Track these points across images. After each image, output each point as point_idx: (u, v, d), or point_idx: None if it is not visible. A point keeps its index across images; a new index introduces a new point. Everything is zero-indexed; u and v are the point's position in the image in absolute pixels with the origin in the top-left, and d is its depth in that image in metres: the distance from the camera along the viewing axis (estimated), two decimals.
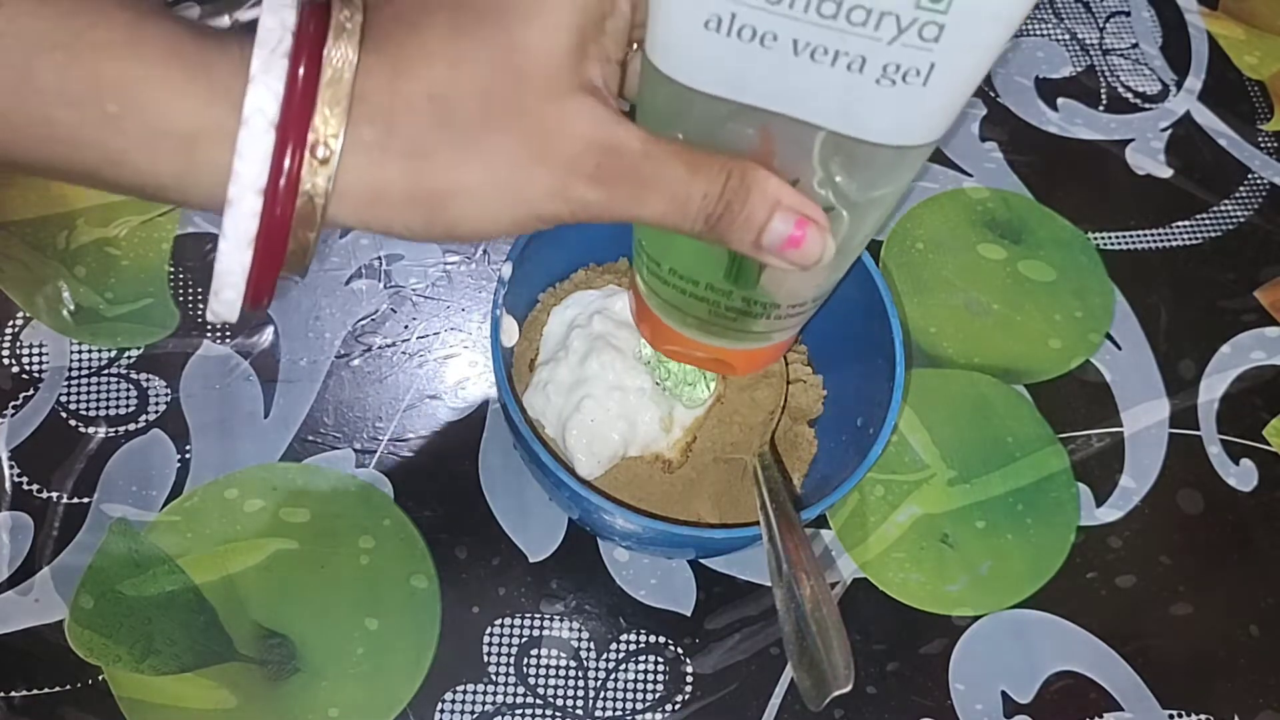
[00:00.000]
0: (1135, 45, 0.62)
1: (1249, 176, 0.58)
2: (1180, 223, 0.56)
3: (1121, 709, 0.45)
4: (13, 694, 0.41)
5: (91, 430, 0.46)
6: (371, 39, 0.25)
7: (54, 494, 0.45)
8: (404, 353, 0.49)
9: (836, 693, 0.32)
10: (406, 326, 0.49)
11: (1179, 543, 0.48)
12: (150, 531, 0.44)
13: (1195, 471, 0.50)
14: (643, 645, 0.44)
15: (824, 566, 0.46)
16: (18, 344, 0.47)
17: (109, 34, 0.24)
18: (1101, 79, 0.60)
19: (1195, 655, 0.46)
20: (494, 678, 0.43)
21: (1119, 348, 0.52)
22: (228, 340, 0.48)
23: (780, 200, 0.27)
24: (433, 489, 0.46)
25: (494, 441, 0.47)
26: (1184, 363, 0.52)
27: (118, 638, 0.42)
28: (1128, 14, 0.63)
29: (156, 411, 0.46)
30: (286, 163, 0.24)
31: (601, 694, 0.43)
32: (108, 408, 0.46)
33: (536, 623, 0.44)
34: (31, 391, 0.46)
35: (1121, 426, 0.50)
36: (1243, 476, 0.50)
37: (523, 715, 0.42)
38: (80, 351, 0.47)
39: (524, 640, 0.44)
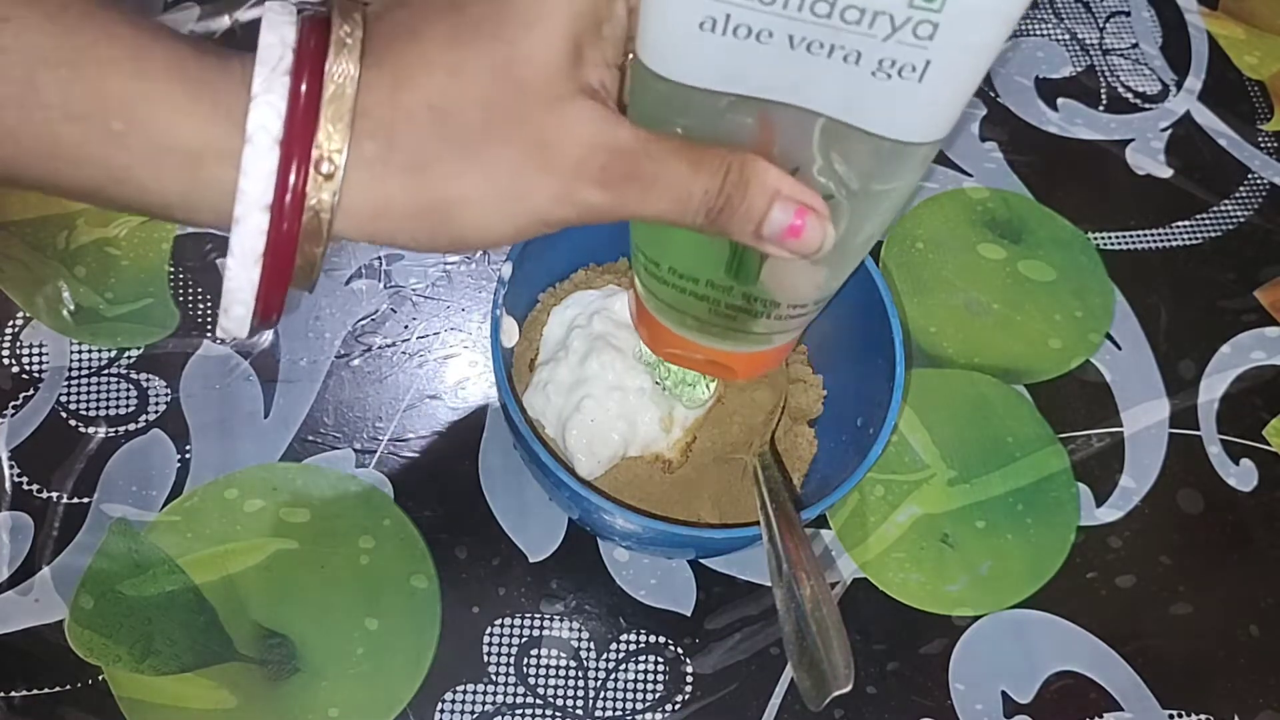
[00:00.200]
0: (1135, 45, 0.62)
1: (1249, 176, 0.58)
2: (1180, 223, 0.56)
3: (1121, 709, 0.45)
4: (13, 694, 0.41)
5: (91, 430, 0.46)
6: (372, 52, 0.25)
7: (54, 494, 0.45)
8: (404, 353, 0.49)
9: (836, 693, 0.32)
10: (406, 326, 0.49)
11: (1179, 543, 0.48)
12: (150, 531, 0.44)
13: (1195, 471, 0.50)
14: (643, 645, 0.44)
15: (824, 566, 0.46)
16: (18, 344, 0.47)
17: (112, 51, 0.24)
18: (1101, 79, 0.60)
19: (1195, 655, 0.46)
20: (494, 678, 0.43)
21: (1119, 348, 0.52)
22: (228, 340, 0.48)
23: (779, 190, 0.27)
24: (433, 489, 0.46)
25: (494, 441, 0.47)
26: (1184, 363, 0.52)
27: (118, 638, 0.42)
28: (1128, 14, 0.63)
29: (156, 411, 0.46)
30: (292, 179, 0.24)
31: (601, 694, 0.43)
32: (108, 408, 0.46)
33: (536, 623, 0.44)
34: (31, 391, 0.46)
35: (1121, 426, 0.50)
36: (1243, 476, 0.50)
37: (523, 715, 0.42)
38: (80, 351, 0.47)
39: (524, 640, 0.44)
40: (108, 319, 0.48)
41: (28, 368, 0.47)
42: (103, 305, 0.48)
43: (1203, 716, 0.45)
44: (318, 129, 0.24)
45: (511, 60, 0.26)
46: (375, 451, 0.46)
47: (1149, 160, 0.58)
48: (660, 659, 0.44)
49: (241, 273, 0.25)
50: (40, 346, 0.47)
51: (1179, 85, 0.61)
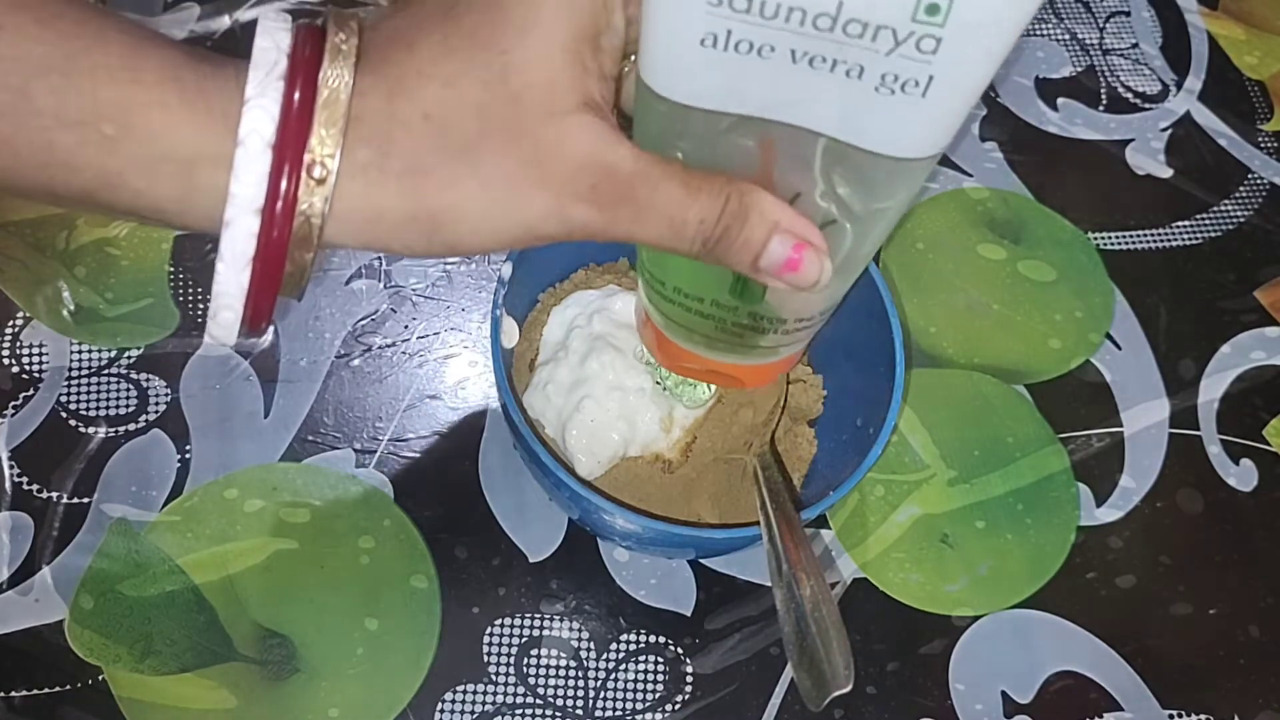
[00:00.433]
0: (1135, 45, 0.62)
1: (1249, 176, 0.58)
2: (1180, 223, 0.56)
3: (1121, 709, 0.45)
4: (13, 694, 0.41)
5: (91, 430, 0.46)
6: (366, 60, 0.25)
7: (54, 494, 0.45)
8: (404, 353, 0.49)
9: (836, 693, 0.32)
10: (406, 326, 0.49)
11: (1179, 543, 0.48)
12: (150, 531, 0.44)
13: (1195, 471, 0.50)
14: (643, 645, 0.44)
15: (824, 566, 0.46)
16: (18, 344, 0.47)
17: (106, 57, 0.24)
18: (1101, 79, 0.60)
19: (1195, 655, 0.46)
20: (494, 678, 0.43)
21: (1119, 348, 0.52)
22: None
23: (779, 223, 0.27)
24: (433, 489, 0.46)
25: (494, 441, 0.47)
26: (1184, 363, 0.52)
27: (118, 638, 0.42)
28: (1128, 14, 0.63)
29: (156, 411, 0.46)
30: (283, 183, 0.24)
31: (601, 694, 0.43)
32: (108, 408, 0.46)
33: (536, 623, 0.44)
34: (31, 391, 0.46)
35: (1121, 426, 0.50)
36: (1243, 476, 0.50)
37: (523, 715, 0.42)
38: (80, 351, 0.47)
39: (524, 640, 0.44)
40: (108, 319, 0.48)
41: (28, 368, 0.47)
42: (103, 305, 0.48)
43: (1203, 716, 0.45)
44: (310, 133, 0.24)
45: (507, 71, 0.25)
46: (375, 451, 0.46)
47: (1149, 160, 0.58)
48: (660, 659, 0.44)
49: (231, 276, 0.25)
50: (40, 346, 0.47)
51: (1179, 85, 0.61)
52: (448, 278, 0.51)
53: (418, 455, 0.47)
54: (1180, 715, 0.45)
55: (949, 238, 0.54)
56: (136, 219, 0.26)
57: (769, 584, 0.44)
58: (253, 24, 0.25)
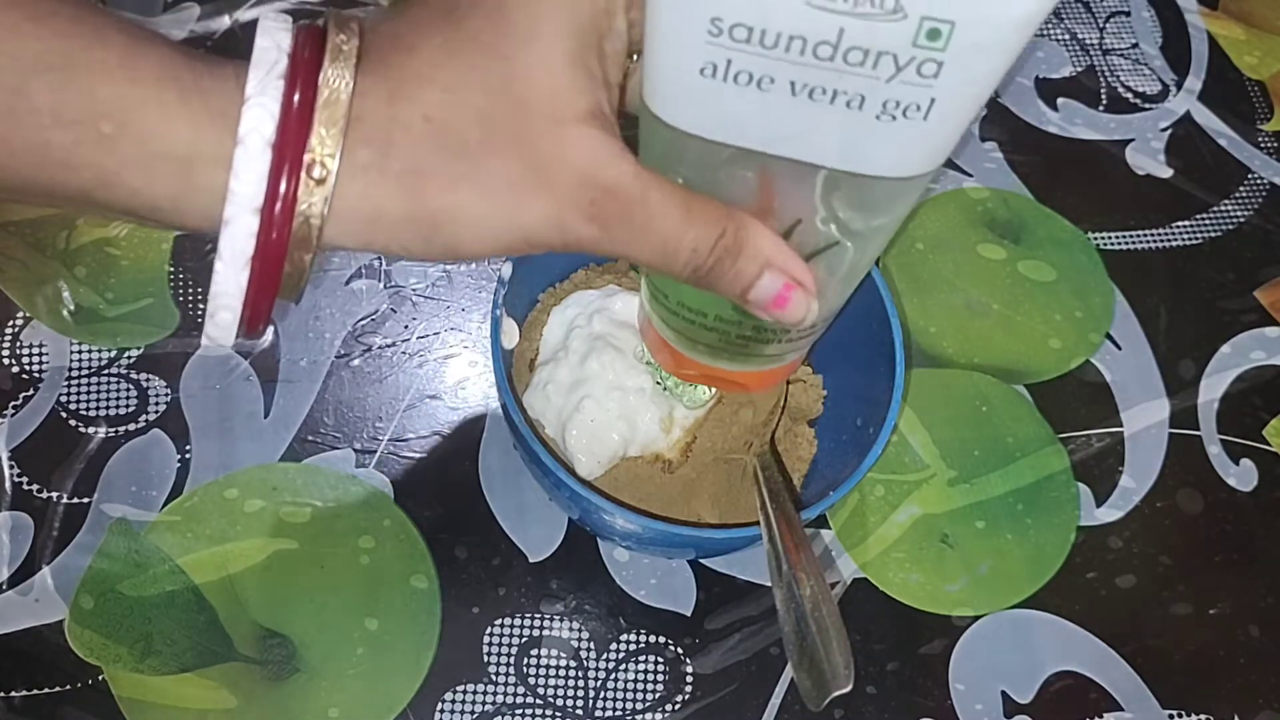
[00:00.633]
0: (1135, 45, 0.62)
1: (1249, 176, 0.58)
2: (1180, 223, 0.56)
3: (1121, 709, 0.45)
4: (13, 694, 0.41)
5: (91, 430, 0.46)
6: (367, 61, 0.25)
7: (54, 494, 0.45)
8: (404, 353, 0.49)
9: (836, 693, 0.32)
10: (406, 326, 0.49)
11: (1179, 543, 0.48)
12: (150, 531, 0.44)
13: (1195, 471, 0.50)
14: (643, 645, 0.44)
15: (824, 566, 0.46)
16: (18, 344, 0.47)
17: (104, 54, 0.24)
18: (1101, 79, 0.60)
19: (1195, 655, 0.46)
20: (494, 678, 0.43)
21: (1119, 348, 0.52)
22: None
23: (771, 261, 0.28)
24: (433, 489, 0.46)
25: (494, 441, 0.47)
26: (1184, 363, 0.52)
27: (118, 638, 0.42)
28: (1128, 14, 0.63)
29: (156, 411, 0.46)
30: (283, 183, 0.24)
31: (601, 694, 0.43)
32: (108, 408, 0.46)
33: (536, 623, 0.44)
34: (31, 391, 0.46)
35: (1121, 426, 0.50)
36: (1243, 476, 0.50)
37: (523, 715, 0.42)
38: (80, 351, 0.47)
39: (524, 640, 0.44)
40: (108, 319, 0.48)
41: (28, 368, 0.47)
42: (103, 305, 0.48)
43: (1203, 716, 0.45)
44: (311, 133, 0.24)
45: (510, 78, 0.25)
46: (375, 451, 0.46)
47: (1149, 160, 0.58)
48: (660, 659, 0.44)
49: (230, 275, 0.25)
50: (40, 346, 0.47)
51: (1179, 85, 0.61)
52: (448, 278, 0.51)
53: (418, 455, 0.47)
54: (1180, 715, 0.45)
55: (949, 238, 0.54)
56: (133, 219, 0.26)
57: (769, 584, 0.44)
58: (252, 24, 0.25)
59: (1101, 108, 0.59)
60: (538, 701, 0.43)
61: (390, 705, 0.42)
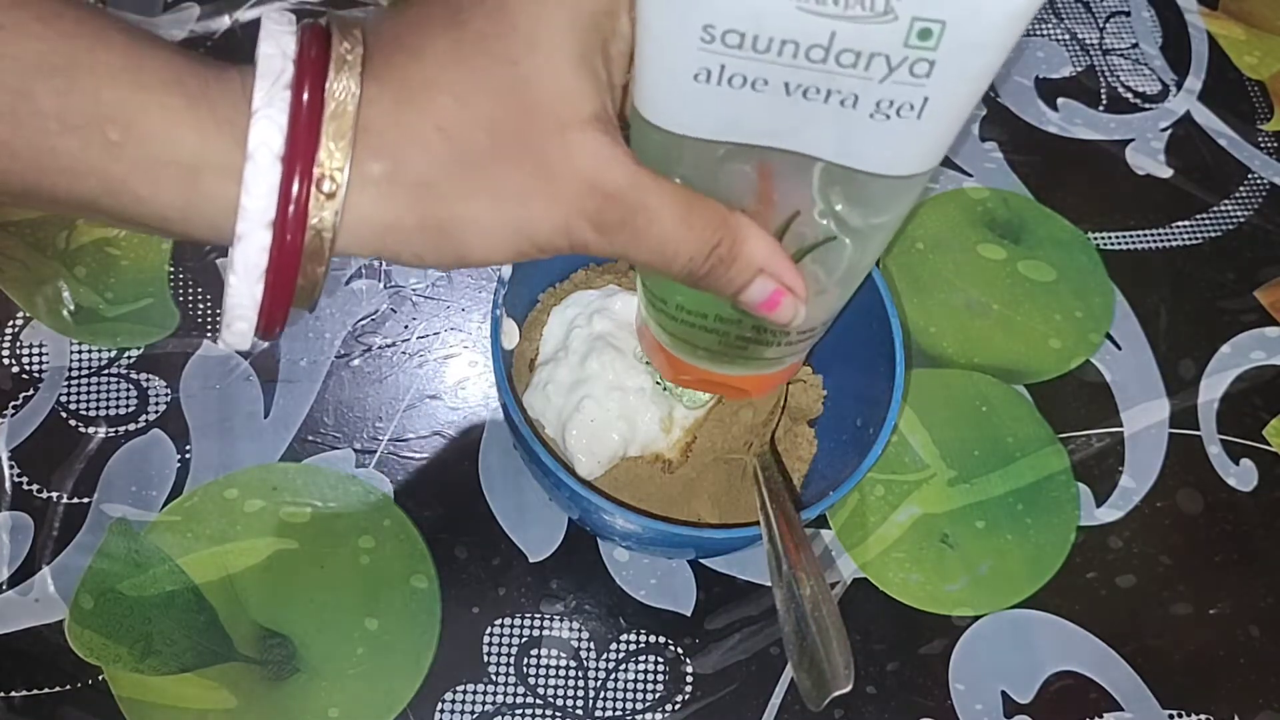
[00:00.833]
0: (1135, 45, 0.62)
1: (1249, 176, 0.58)
2: (1180, 223, 0.56)
3: (1121, 709, 0.45)
4: (13, 694, 0.41)
5: (91, 430, 0.46)
6: (372, 67, 0.25)
7: (54, 494, 0.45)
8: (404, 353, 0.49)
9: (836, 693, 0.32)
10: (406, 326, 0.49)
11: (1179, 543, 0.48)
12: (150, 531, 0.44)
13: (1195, 471, 0.50)
14: (643, 645, 0.44)
15: (824, 566, 0.46)
16: (18, 344, 0.47)
17: (109, 58, 0.24)
18: (1101, 79, 0.60)
19: (1195, 655, 0.46)
20: (494, 678, 0.43)
21: (1119, 348, 0.52)
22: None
23: (764, 267, 0.29)
24: (433, 489, 0.46)
25: (494, 441, 0.47)
26: (1184, 363, 0.52)
27: (118, 638, 0.42)
28: (1128, 14, 0.63)
29: (156, 411, 0.46)
30: (294, 198, 0.24)
31: (601, 694, 0.43)
32: (108, 408, 0.46)
33: (536, 623, 0.44)
34: (31, 391, 0.46)
35: (1121, 426, 0.50)
36: (1243, 476, 0.50)
37: (523, 715, 0.42)
38: (80, 351, 0.47)
39: (524, 640, 0.44)
40: (108, 319, 0.48)
41: (28, 368, 0.47)
42: (103, 305, 0.48)
43: (1203, 716, 0.45)
44: (319, 147, 0.24)
45: (516, 82, 0.25)
46: (375, 451, 0.46)
47: (1149, 160, 0.58)
48: (660, 659, 0.44)
49: (244, 289, 0.25)
50: (40, 346, 0.47)
51: (1179, 85, 0.61)
52: (448, 278, 0.51)
53: (418, 455, 0.47)
54: (1180, 715, 0.45)
55: (949, 238, 0.54)
56: (137, 227, 0.25)
57: (769, 584, 0.44)
58: (253, 24, 0.25)
59: (1101, 108, 0.59)
60: (538, 701, 0.43)
61: (390, 705, 0.42)
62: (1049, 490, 0.49)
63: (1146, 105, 0.60)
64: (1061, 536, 0.48)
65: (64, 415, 0.46)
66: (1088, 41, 0.62)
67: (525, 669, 0.43)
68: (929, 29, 0.23)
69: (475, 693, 0.43)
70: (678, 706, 0.43)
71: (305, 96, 0.24)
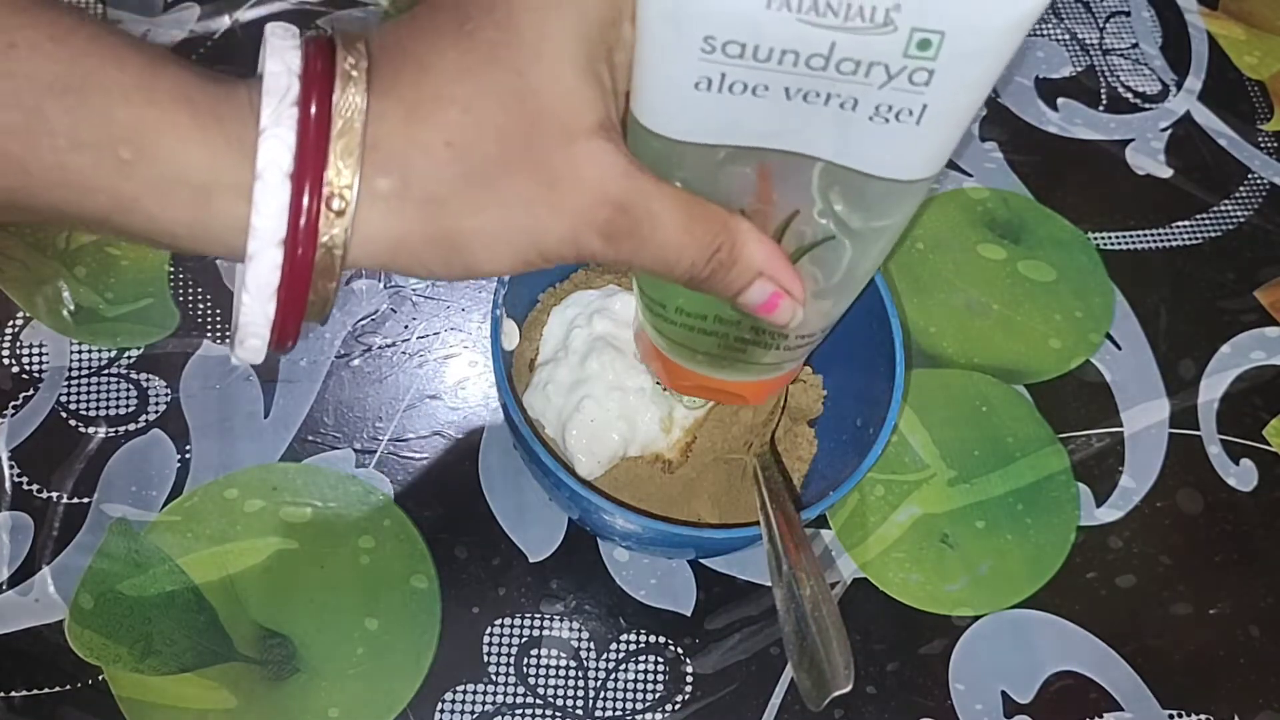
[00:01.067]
0: (1135, 45, 0.62)
1: (1249, 176, 0.58)
2: (1180, 223, 0.56)
3: (1121, 709, 0.45)
4: (13, 694, 0.41)
5: (91, 430, 0.46)
6: (379, 80, 0.25)
7: (54, 494, 0.45)
8: (404, 353, 0.49)
9: (836, 693, 0.32)
10: (406, 326, 0.49)
11: (1179, 543, 0.48)
12: (150, 531, 0.44)
13: (1195, 471, 0.50)
14: (643, 645, 0.44)
15: (824, 566, 0.46)
16: (18, 344, 0.47)
17: (121, 76, 0.23)
18: (1101, 79, 0.60)
19: (1195, 655, 0.46)
20: (494, 678, 0.43)
21: (1119, 348, 0.52)
22: (228, 340, 0.48)
23: (763, 271, 0.29)
24: (433, 489, 0.46)
25: (494, 441, 0.47)
26: (1184, 363, 0.52)
27: (118, 638, 0.42)
28: (1128, 14, 0.63)
29: (156, 411, 0.46)
30: (303, 217, 0.24)
31: (601, 694, 0.43)
32: (108, 408, 0.46)
33: (536, 623, 0.44)
34: (31, 391, 0.46)
35: (1121, 426, 0.50)
36: (1243, 476, 0.50)
37: (523, 715, 0.42)
38: (80, 351, 0.47)
39: (524, 640, 0.44)
40: (108, 319, 0.48)
41: (28, 368, 0.47)
42: (103, 305, 0.48)
43: (1203, 716, 0.45)
44: (327, 165, 0.24)
45: (523, 92, 0.25)
46: (375, 451, 0.46)
47: (1149, 160, 0.58)
48: (660, 659, 0.44)
49: (256, 307, 0.25)
50: (40, 346, 0.47)
51: (1179, 85, 0.61)
52: None
53: (418, 455, 0.47)
54: (1180, 715, 0.45)
55: (949, 238, 0.54)
56: (146, 242, 0.25)
57: (769, 584, 0.44)
58: (253, 24, 0.25)
59: (1101, 108, 0.59)
60: (538, 701, 0.43)
61: (390, 705, 0.42)
62: (1049, 490, 0.49)
63: (1146, 105, 0.60)
64: (1061, 536, 0.48)
65: (64, 415, 0.46)
66: (1088, 41, 0.62)
67: (525, 669, 0.43)
68: (928, 39, 0.23)
69: (475, 693, 0.43)
70: (678, 706, 0.43)
71: (313, 112, 0.24)
